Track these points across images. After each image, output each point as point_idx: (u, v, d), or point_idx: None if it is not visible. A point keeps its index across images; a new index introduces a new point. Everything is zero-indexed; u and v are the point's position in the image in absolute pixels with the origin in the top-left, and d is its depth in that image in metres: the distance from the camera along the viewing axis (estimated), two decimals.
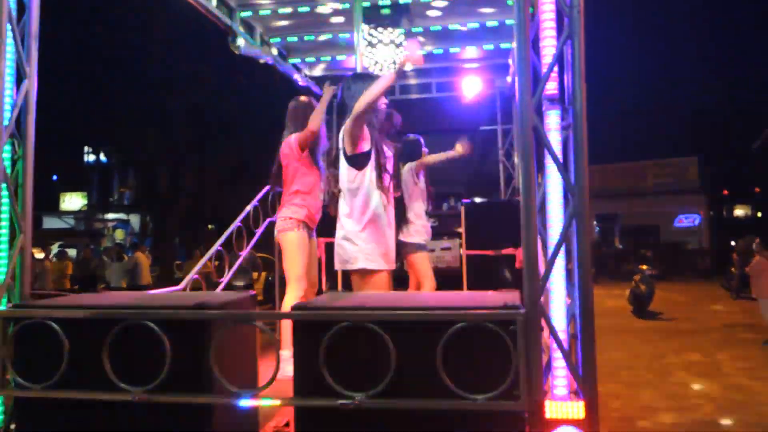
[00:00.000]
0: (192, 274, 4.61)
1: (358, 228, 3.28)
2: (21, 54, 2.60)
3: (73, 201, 32.29)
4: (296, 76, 6.81)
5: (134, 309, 2.43)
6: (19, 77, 2.62)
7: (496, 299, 2.51)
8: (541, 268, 2.24)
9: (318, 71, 6.97)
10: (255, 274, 11.17)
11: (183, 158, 22.05)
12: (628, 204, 26.66)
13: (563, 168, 2.21)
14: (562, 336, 2.21)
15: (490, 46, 6.38)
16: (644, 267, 13.56)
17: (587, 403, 2.09)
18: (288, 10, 5.32)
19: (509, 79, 7.17)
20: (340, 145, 3.38)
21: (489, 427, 2.17)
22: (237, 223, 5.28)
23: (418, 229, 4.90)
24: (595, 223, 27.73)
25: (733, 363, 8.06)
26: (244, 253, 5.36)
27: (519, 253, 6.29)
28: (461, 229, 6.50)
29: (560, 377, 2.21)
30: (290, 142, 4.06)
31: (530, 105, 2.18)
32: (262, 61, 5.93)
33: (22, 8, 2.65)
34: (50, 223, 29.75)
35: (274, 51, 6.15)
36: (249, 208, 5.50)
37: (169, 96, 19.77)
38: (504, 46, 6.35)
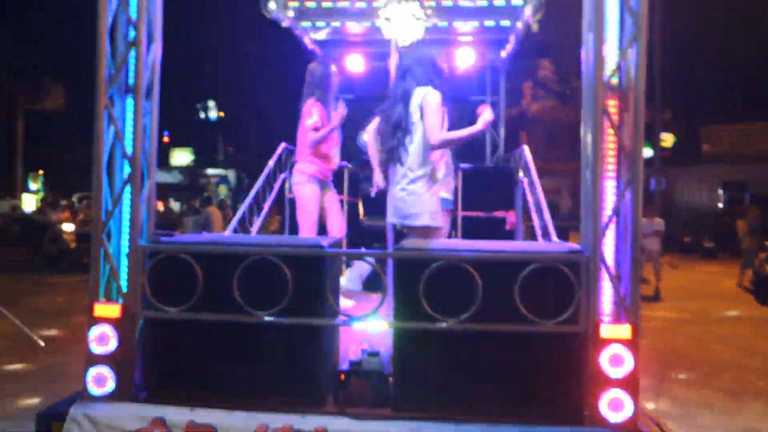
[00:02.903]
0: (233, 224, 5.03)
1: (425, 187, 3.68)
2: (151, 21, 2.95)
3: (182, 157, 34.02)
4: (306, 40, 7.13)
5: (261, 246, 2.88)
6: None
7: (555, 246, 3.10)
8: None
9: (326, 35, 7.30)
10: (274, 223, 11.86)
11: (272, 115, 22.63)
12: (762, 169, 22.63)
13: (619, 132, 2.79)
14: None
15: (491, 23, 6.87)
16: None
17: (633, 327, 2.71)
18: None
19: (503, 54, 7.69)
20: (412, 116, 3.69)
21: (554, 347, 2.77)
22: (261, 181, 5.71)
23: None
24: (720, 191, 24.91)
25: None
26: (267, 204, 5.83)
27: (510, 215, 6.95)
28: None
29: (608, 308, 2.82)
30: (307, 110, 4.48)
31: (601, 92, 2.74)
32: (284, 24, 6.24)
33: None
34: (159, 177, 31.49)
35: (291, 14, 6.46)
36: (270, 164, 5.93)
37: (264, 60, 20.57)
38: (503, 23, 6.85)
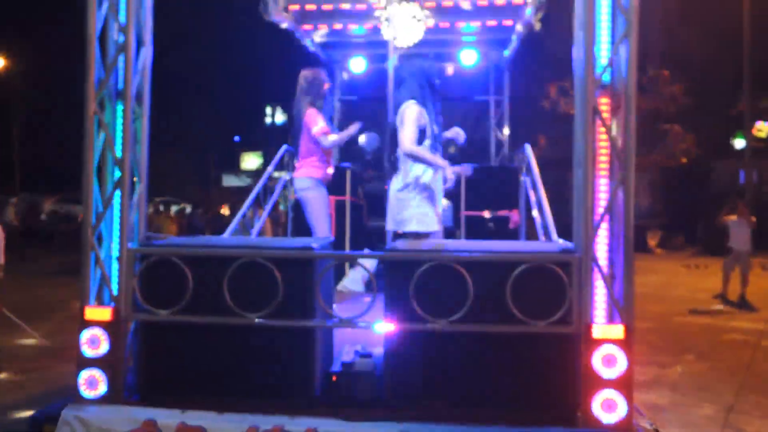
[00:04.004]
0: (232, 225, 5.04)
1: (412, 194, 3.74)
2: (141, 24, 2.96)
3: (252, 160, 35.19)
4: (307, 42, 7.13)
5: (250, 248, 2.88)
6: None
7: (548, 246, 3.08)
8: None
9: (328, 38, 7.30)
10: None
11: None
12: None
13: (611, 131, 2.75)
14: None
15: (493, 22, 6.83)
16: None
17: (626, 326, 2.67)
18: None
19: (506, 53, 7.65)
20: (398, 128, 3.79)
21: (546, 347, 2.75)
22: (263, 181, 5.72)
23: None
24: None
25: None
26: (268, 207, 5.84)
27: (513, 214, 6.91)
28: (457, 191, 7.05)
29: (601, 308, 2.78)
30: (311, 118, 4.51)
31: (592, 90, 2.71)
32: (283, 26, 6.25)
33: None
34: (229, 181, 33.48)
35: (291, 17, 6.46)
36: (270, 169, 5.95)
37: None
38: (506, 23, 6.81)
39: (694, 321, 7.97)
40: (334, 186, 6.16)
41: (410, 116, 3.72)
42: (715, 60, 21.69)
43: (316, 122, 4.50)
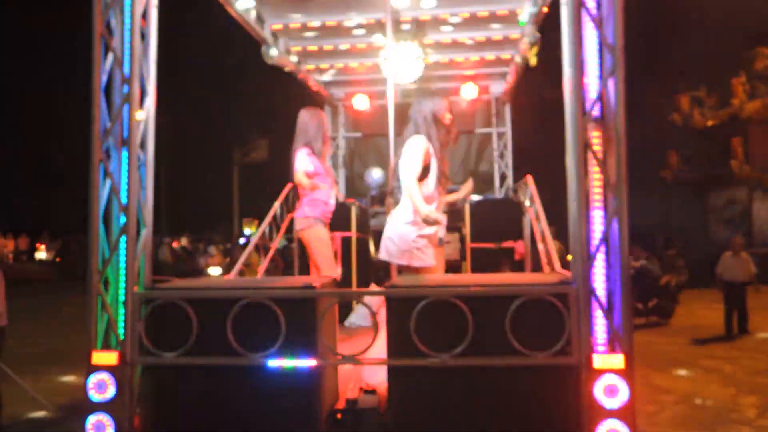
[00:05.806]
0: (238, 265, 5.11)
1: (415, 228, 3.77)
2: (146, 75, 3.08)
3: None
4: (310, 82, 7.30)
5: (253, 289, 2.93)
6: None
7: (546, 278, 3.11)
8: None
9: (330, 76, 7.48)
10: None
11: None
12: None
13: (603, 165, 2.81)
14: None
15: (491, 57, 6.98)
16: None
17: (626, 356, 2.69)
18: (317, 23, 5.82)
19: (506, 86, 7.78)
20: (401, 164, 3.81)
21: (547, 378, 2.76)
22: (268, 220, 5.80)
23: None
24: None
25: None
26: (275, 244, 5.91)
27: (518, 245, 6.93)
28: (462, 224, 7.10)
29: (601, 338, 2.80)
30: (302, 159, 4.45)
31: (582, 124, 2.77)
32: (287, 69, 6.41)
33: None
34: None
35: (294, 58, 6.63)
36: (276, 206, 6.03)
37: None
38: (504, 56, 6.95)
39: None
40: (340, 222, 6.25)
41: (415, 150, 3.75)
42: None
43: (305, 163, 4.44)
